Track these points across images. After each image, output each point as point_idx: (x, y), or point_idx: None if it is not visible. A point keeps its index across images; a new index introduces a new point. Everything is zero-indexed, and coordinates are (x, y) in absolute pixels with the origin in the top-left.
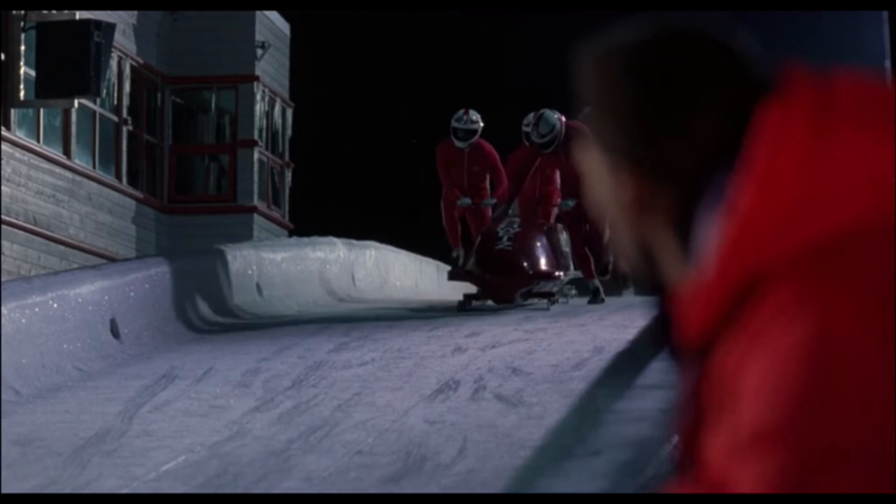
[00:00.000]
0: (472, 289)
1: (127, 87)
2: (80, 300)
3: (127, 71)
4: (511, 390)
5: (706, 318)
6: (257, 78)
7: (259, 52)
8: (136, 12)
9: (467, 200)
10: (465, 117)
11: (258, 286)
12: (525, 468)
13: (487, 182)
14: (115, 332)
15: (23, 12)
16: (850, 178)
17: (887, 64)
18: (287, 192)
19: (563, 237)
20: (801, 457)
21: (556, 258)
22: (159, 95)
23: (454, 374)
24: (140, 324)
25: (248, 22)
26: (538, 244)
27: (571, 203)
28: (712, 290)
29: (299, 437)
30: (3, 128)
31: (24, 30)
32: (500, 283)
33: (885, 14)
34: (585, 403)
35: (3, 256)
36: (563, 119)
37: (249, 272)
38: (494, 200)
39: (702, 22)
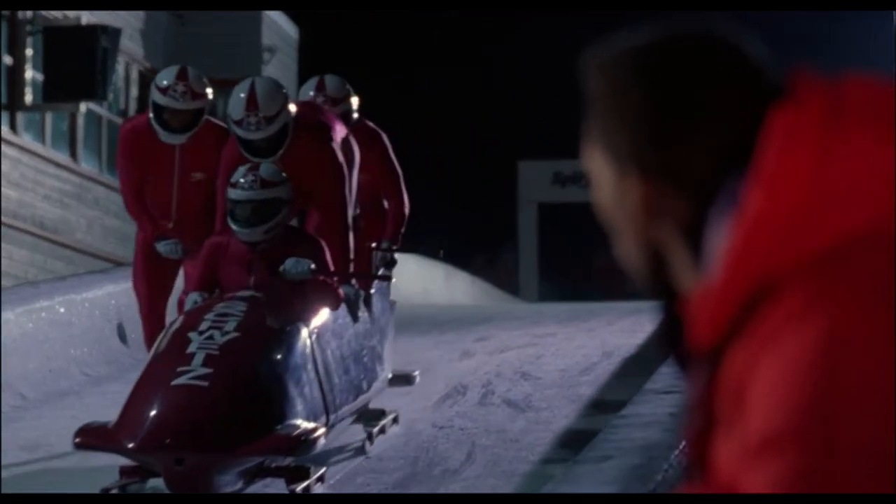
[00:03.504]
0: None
1: (134, 92)
2: (87, 305)
3: (134, 75)
4: (519, 395)
5: (716, 324)
6: None
7: (266, 56)
8: (143, 17)
9: (174, 247)
10: (177, 86)
11: None
12: (533, 473)
13: None
14: (122, 337)
15: (30, 15)
16: (860, 183)
17: None
18: None
19: (371, 319)
20: (811, 461)
21: (334, 384)
22: None
23: (462, 379)
24: None
25: (255, 26)
26: (284, 362)
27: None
28: (722, 295)
29: None
30: (10, 132)
31: (30, 34)
32: (175, 463)
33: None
34: (594, 408)
35: (10, 261)
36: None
37: None
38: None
39: (711, 25)
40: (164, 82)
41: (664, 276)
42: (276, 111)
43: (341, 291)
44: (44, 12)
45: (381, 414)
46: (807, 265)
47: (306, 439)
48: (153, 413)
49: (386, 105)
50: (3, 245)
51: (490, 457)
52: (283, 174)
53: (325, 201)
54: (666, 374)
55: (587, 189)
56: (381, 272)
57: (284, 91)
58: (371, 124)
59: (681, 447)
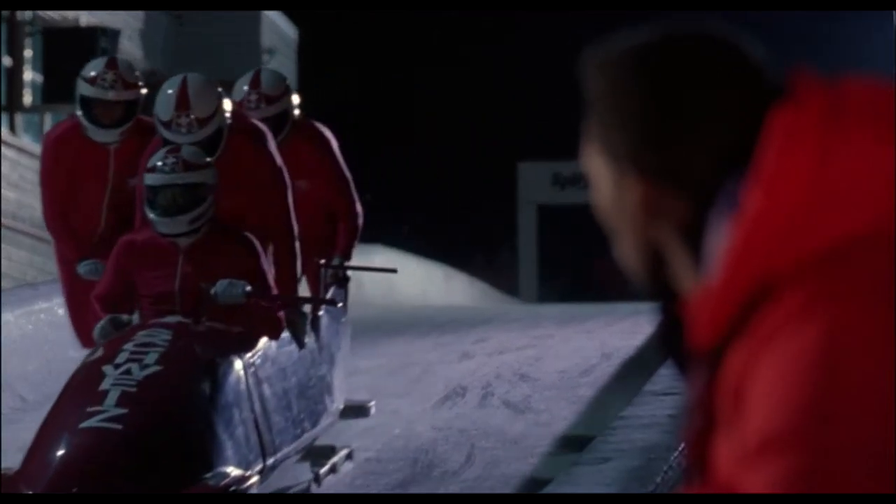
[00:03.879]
0: None
1: None
2: None
3: None
4: (519, 397)
5: (716, 324)
6: None
7: (266, 57)
8: (142, 17)
9: (94, 267)
10: (106, 74)
11: None
12: (533, 475)
13: None
14: None
15: (29, 16)
16: (860, 183)
17: None
18: None
19: (326, 338)
20: (811, 461)
21: (273, 423)
22: None
23: (461, 381)
24: None
25: (254, 27)
26: (212, 399)
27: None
28: (722, 295)
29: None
30: (10, 133)
31: (29, 35)
32: None
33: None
34: (593, 410)
35: (9, 262)
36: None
37: None
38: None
39: (711, 26)
40: (92, 73)
41: (663, 276)
42: (211, 112)
43: (282, 315)
44: (42, 13)
45: (331, 451)
46: (807, 265)
47: (236, 489)
48: (58, 460)
49: (386, 105)
50: (2, 246)
51: (489, 458)
52: (208, 158)
53: (265, 212)
54: (665, 376)
55: (587, 191)
56: (331, 292)
57: (220, 90)
58: (317, 125)
59: (680, 449)
